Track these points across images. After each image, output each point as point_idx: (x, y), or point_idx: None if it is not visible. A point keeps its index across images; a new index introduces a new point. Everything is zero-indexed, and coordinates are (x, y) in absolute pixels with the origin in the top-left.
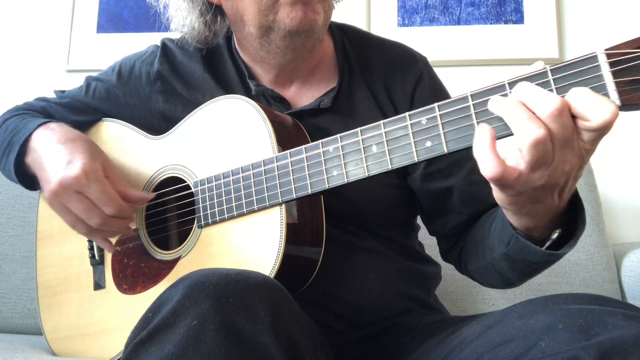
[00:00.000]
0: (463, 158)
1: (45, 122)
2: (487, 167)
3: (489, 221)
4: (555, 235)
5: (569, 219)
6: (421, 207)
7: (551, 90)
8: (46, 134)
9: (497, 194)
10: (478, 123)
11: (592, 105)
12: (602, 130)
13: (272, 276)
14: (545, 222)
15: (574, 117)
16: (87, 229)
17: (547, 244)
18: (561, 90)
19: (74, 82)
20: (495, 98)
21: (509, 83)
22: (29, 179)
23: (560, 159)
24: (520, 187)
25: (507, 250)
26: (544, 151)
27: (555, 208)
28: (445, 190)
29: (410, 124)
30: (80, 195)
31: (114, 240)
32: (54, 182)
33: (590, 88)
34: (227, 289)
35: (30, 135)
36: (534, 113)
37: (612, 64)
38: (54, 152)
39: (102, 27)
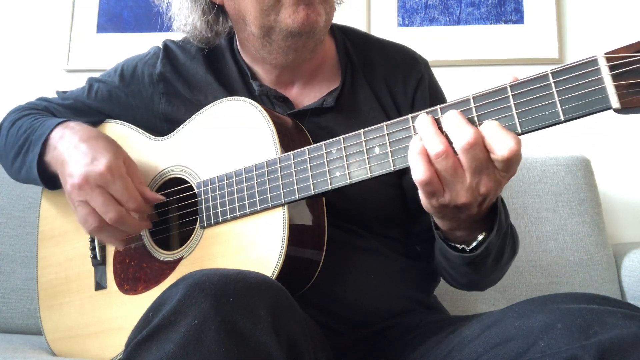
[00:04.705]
0: None
1: (63, 121)
2: (415, 172)
3: None
4: (481, 237)
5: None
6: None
7: (552, 93)
8: (66, 132)
9: (424, 201)
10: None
11: (497, 141)
12: (509, 162)
13: (274, 277)
14: (468, 224)
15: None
16: (99, 224)
17: (473, 244)
18: (562, 93)
19: (74, 82)
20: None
21: (510, 86)
22: (47, 177)
23: (474, 181)
24: (444, 200)
25: (440, 248)
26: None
27: (475, 215)
28: None
29: (413, 126)
30: (101, 189)
31: None
32: (78, 176)
33: (589, 91)
34: (228, 289)
35: (50, 133)
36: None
37: (611, 68)
38: (77, 149)
39: (102, 27)
